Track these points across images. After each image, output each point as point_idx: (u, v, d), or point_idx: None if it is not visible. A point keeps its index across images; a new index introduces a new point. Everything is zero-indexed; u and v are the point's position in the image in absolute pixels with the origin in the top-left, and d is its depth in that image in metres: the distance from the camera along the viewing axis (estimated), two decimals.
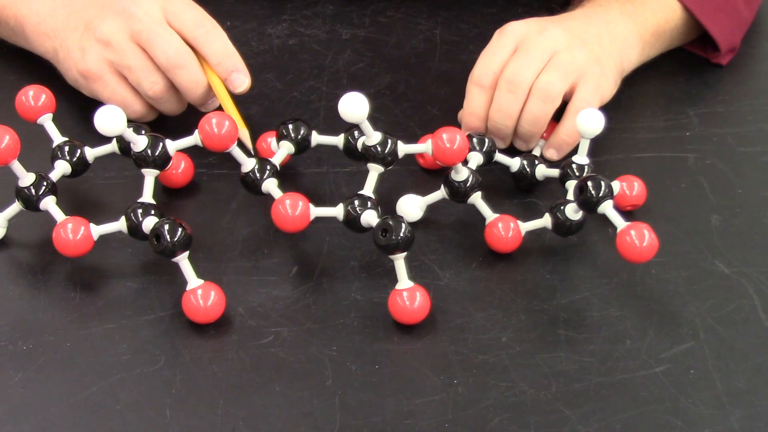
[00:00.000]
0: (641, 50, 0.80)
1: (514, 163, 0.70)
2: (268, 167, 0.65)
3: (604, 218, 0.62)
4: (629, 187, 0.69)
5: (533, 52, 0.71)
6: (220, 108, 0.72)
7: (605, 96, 0.74)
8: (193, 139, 0.64)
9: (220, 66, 0.70)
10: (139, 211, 0.61)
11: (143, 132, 0.66)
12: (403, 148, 0.64)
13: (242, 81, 0.71)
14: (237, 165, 0.66)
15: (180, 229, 0.59)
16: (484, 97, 0.72)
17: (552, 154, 0.72)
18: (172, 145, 0.64)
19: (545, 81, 0.70)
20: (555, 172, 0.69)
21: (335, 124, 0.68)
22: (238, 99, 0.72)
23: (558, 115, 0.72)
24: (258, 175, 0.65)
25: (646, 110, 0.81)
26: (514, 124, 0.71)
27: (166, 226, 0.59)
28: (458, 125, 0.74)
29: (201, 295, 0.59)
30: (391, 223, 0.59)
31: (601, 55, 0.74)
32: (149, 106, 0.72)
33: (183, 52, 0.69)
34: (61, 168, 0.65)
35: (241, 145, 0.68)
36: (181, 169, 0.70)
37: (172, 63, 0.69)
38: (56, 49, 0.74)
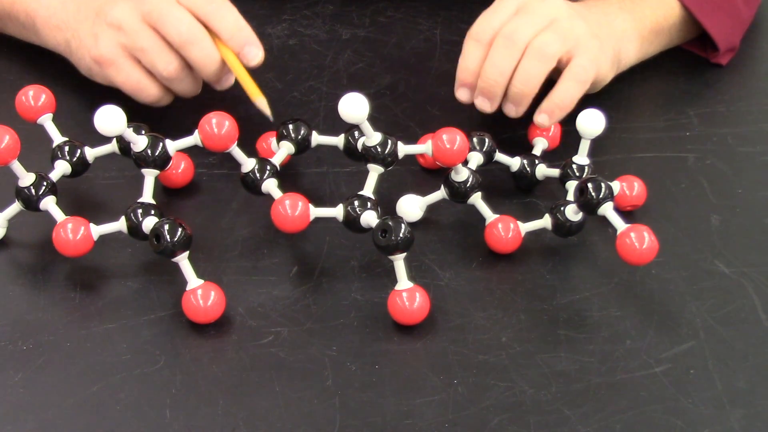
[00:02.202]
0: (639, 45, 0.80)
1: (514, 163, 0.70)
2: (268, 167, 0.65)
3: (604, 218, 0.62)
4: (629, 188, 0.69)
5: (534, 14, 0.71)
6: (236, 84, 0.71)
7: (602, 71, 0.73)
8: (193, 139, 0.64)
9: (232, 40, 0.70)
10: (139, 211, 0.61)
11: (143, 132, 0.66)
12: (403, 149, 0.64)
13: (256, 53, 0.71)
14: (237, 165, 0.66)
15: (180, 229, 0.59)
16: (480, 53, 0.71)
17: (543, 119, 0.71)
18: (172, 145, 0.64)
19: (542, 40, 0.70)
20: (555, 172, 0.69)
21: (335, 124, 0.68)
22: (239, 99, 0.72)
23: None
24: (258, 175, 0.65)
25: (646, 110, 0.81)
26: (506, 81, 0.70)
27: (166, 226, 0.59)
28: (458, 125, 0.74)
29: (201, 295, 0.59)
30: (390, 223, 0.59)
31: (600, 34, 0.74)
32: (165, 88, 0.72)
33: (195, 28, 0.69)
34: (61, 168, 0.65)
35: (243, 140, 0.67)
36: (181, 169, 0.70)
37: (185, 39, 0.68)
38: (68, 41, 0.74)
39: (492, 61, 0.70)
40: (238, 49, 0.70)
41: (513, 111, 0.72)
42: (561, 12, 0.72)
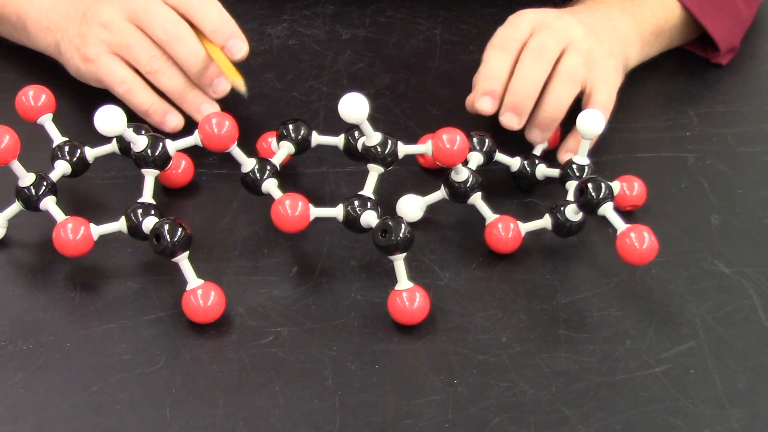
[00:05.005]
0: (641, 48, 0.80)
1: (514, 163, 0.70)
2: (268, 167, 0.65)
3: (604, 218, 0.62)
4: (629, 188, 0.69)
5: (554, 30, 0.71)
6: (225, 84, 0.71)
7: (615, 92, 0.74)
8: (193, 139, 0.64)
9: (216, 33, 0.70)
10: (139, 211, 0.61)
11: (143, 132, 0.66)
12: (403, 149, 0.64)
13: (240, 47, 0.70)
14: (237, 165, 0.66)
15: (180, 229, 0.59)
16: (506, 61, 0.69)
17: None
18: (172, 145, 0.64)
19: (570, 64, 0.69)
20: (555, 172, 0.69)
21: (335, 124, 0.68)
22: (238, 99, 0.72)
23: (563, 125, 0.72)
24: (258, 175, 0.65)
25: (646, 110, 0.81)
26: (536, 95, 0.68)
27: (166, 226, 0.59)
28: (458, 125, 0.74)
29: (201, 295, 0.59)
30: (390, 223, 0.59)
31: (613, 48, 0.74)
32: (155, 91, 0.71)
33: (179, 25, 0.69)
34: (61, 168, 0.66)
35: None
36: (181, 169, 0.70)
37: (171, 36, 0.69)
38: (58, 42, 0.74)
39: (522, 74, 0.68)
40: (222, 42, 0.70)
41: (539, 137, 0.71)
42: (577, 32, 0.72)
